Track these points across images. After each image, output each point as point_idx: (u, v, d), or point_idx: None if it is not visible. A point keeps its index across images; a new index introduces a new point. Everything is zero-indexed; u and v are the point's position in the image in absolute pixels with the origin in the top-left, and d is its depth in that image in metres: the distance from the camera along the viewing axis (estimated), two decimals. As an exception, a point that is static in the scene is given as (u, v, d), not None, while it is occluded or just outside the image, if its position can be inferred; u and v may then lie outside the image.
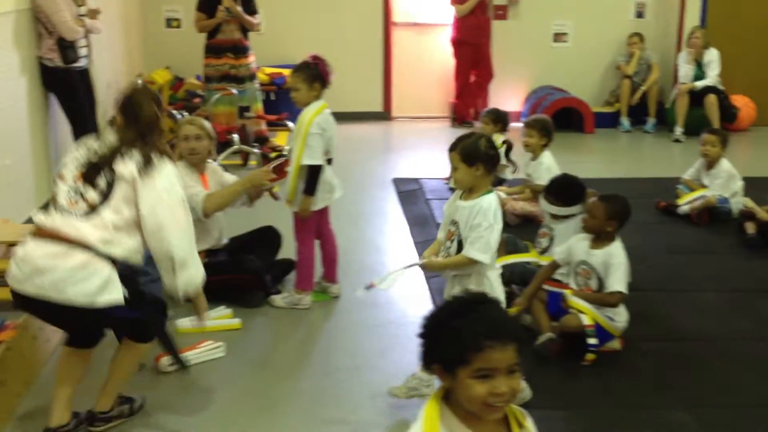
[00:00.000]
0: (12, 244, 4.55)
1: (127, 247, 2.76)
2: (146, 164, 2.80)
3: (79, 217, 2.72)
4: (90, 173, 2.79)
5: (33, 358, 3.32)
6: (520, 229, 4.90)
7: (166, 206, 2.80)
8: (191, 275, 2.88)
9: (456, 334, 1.58)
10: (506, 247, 4.29)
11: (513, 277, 4.11)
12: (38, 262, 2.64)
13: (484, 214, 2.94)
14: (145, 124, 2.90)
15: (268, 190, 4.08)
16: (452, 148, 3.02)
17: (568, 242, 3.75)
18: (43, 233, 2.71)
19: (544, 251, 4.12)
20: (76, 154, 2.89)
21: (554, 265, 3.75)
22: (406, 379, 3.16)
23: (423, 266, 3.12)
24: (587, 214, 3.68)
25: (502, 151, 5.93)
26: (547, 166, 5.05)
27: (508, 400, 1.58)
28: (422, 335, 1.68)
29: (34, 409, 3.07)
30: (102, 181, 2.78)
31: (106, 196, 2.76)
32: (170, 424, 3.06)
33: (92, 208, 2.74)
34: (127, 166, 2.79)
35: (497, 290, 3.03)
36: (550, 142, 5.14)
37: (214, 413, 3.13)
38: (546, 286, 3.74)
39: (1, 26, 4.83)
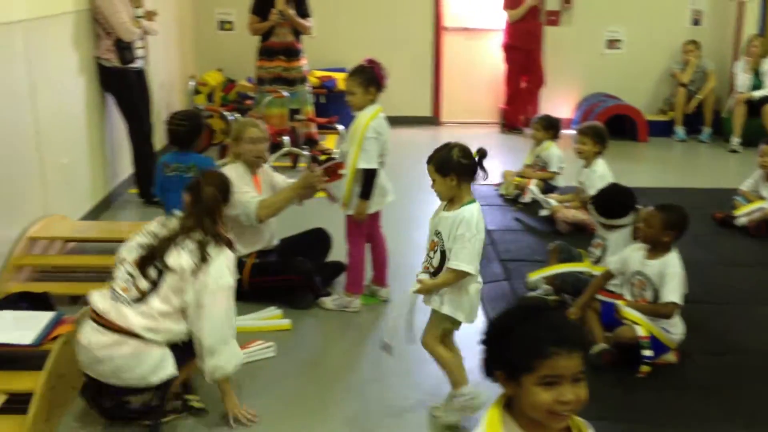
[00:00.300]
0: (68, 241, 4.67)
1: (173, 332, 2.91)
2: (201, 256, 2.90)
3: (128, 303, 2.88)
4: (144, 261, 2.93)
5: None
6: (572, 238, 4.84)
7: (210, 293, 2.89)
8: (218, 365, 2.95)
9: (521, 341, 1.56)
10: (559, 254, 4.24)
11: (565, 286, 4.06)
12: (95, 354, 2.86)
13: (467, 225, 2.90)
14: (204, 207, 3.01)
15: (322, 191, 4.10)
16: (429, 161, 3.01)
17: (623, 252, 3.68)
18: (97, 318, 2.90)
19: (597, 261, 4.06)
20: (139, 239, 3.01)
21: (608, 275, 3.69)
22: (445, 398, 3.15)
23: (419, 292, 3.03)
24: (644, 224, 3.61)
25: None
26: (601, 174, 4.98)
27: (574, 409, 1.55)
28: (485, 342, 1.65)
29: (89, 402, 3.13)
30: (153, 271, 2.91)
31: (155, 285, 2.89)
32: (220, 422, 3.08)
33: (142, 296, 2.89)
34: (179, 258, 2.90)
35: (474, 305, 2.99)
36: (604, 149, 5.06)
37: (262, 413, 3.14)
38: (599, 296, 3.68)
39: (60, 26, 4.94)
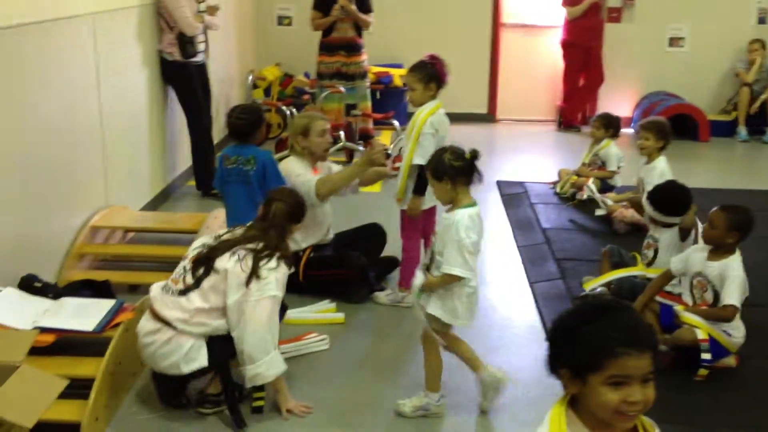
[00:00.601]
0: (128, 231, 4.77)
1: (209, 326, 2.98)
2: (252, 265, 2.95)
3: (173, 294, 2.99)
4: (199, 259, 3.02)
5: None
6: (628, 239, 4.76)
7: (253, 302, 2.93)
8: (258, 372, 2.97)
9: (589, 339, 1.53)
10: (610, 258, 4.16)
11: (622, 291, 3.98)
12: (142, 340, 3.01)
13: (456, 229, 2.91)
14: (272, 220, 3.08)
15: (388, 177, 4.12)
16: (426, 168, 3.03)
17: (686, 252, 3.61)
18: (150, 307, 3.05)
19: (650, 263, 3.98)
20: (205, 240, 3.12)
21: (668, 275, 3.62)
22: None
23: (424, 287, 3.04)
24: (708, 224, 3.53)
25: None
26: (661, 171, 4.86)
27: (642, 410, 1.52)
28: (551, 339, 1.63)
29: (147, 386, 3.21)
30: (201, 270, 2.99)
31: (198, 283, 2.98)
32: (273, 413, 3.11)
33: (186, 290, 2.99)
34: (227, 262, 2.97)
35: (460, 309, 2.97)
36: (666, 145, 4.95)
37: (315, 405, 3.16)
38: (658, 298, 3.61)
39: (125, 20, 5.03)
